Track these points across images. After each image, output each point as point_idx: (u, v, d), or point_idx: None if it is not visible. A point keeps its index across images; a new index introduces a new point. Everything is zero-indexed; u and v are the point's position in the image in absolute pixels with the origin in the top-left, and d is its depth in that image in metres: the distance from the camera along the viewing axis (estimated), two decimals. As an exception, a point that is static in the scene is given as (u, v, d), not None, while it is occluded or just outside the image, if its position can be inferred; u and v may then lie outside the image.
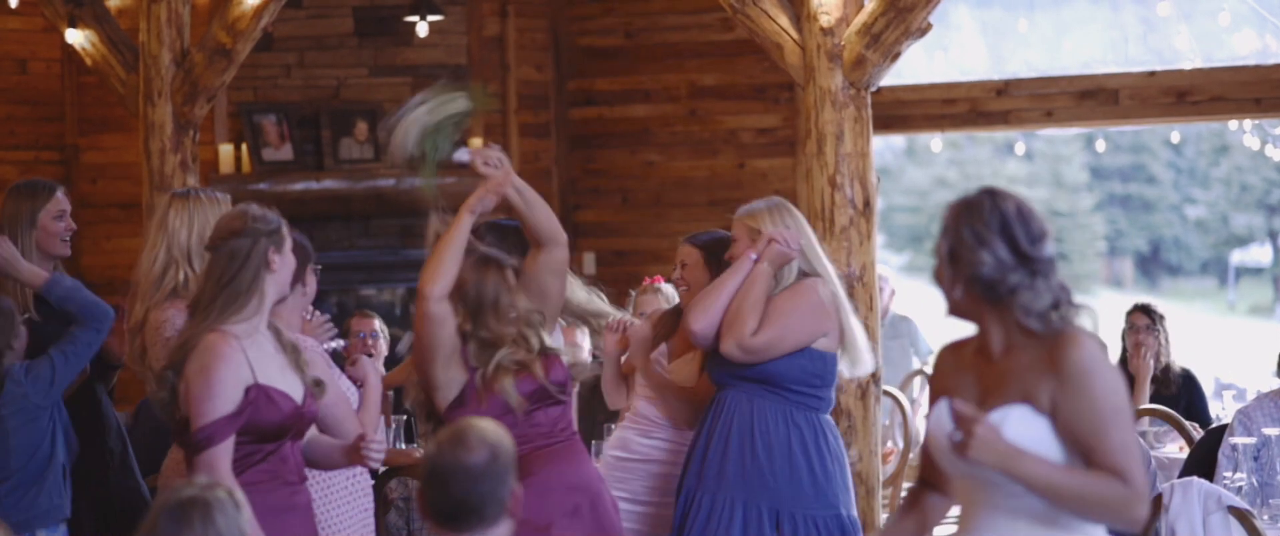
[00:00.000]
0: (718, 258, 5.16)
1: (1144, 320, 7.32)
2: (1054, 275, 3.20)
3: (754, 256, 4.97)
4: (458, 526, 3.23)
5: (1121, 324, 7.38)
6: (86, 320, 5.26)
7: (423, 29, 9.28)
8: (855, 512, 5.09)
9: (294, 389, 4.12)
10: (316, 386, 4.25)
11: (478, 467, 3.22)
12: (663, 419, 5.32)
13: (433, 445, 3.29)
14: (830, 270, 5.09)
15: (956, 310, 3.27)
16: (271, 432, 4.07)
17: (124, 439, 5.89)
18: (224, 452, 3.97)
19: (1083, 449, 3.14)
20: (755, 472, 4.94)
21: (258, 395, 4.02)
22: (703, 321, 4.98)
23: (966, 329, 3.33)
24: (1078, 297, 3.24)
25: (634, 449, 5.35)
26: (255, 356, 4.05)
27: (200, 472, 3.92)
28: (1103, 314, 3.29)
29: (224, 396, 3.98)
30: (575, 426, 4.73)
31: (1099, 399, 3.11)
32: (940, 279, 3.27)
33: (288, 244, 4.16)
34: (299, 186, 9.21)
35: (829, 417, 5.09)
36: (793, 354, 4.95)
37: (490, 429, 3.29)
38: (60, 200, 5.72)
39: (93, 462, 5.72)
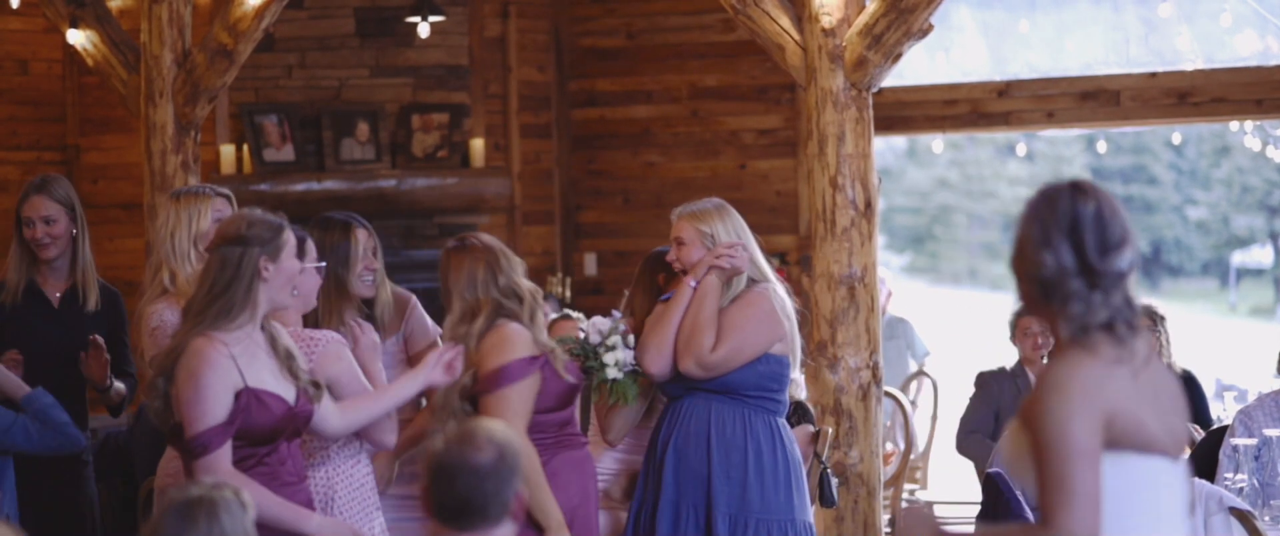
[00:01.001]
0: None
1: (1145, 322, 7.31)
2: (1119, 292, 2.94)
3: (694, 283, 4.97)
4: (460, 525, 3.22)
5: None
6: (56, 441, 5.30)
7: (424, 30, 9.27)
8: (810, 517, 5.09)
9: (286, 390, 4.11)
10: (315, 388, 4.24)
11: (485, 467, 3.20)
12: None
13: (439, 442, 3.28)
14: (772, 274, 5.10)
15: (1029, 306, 3.04)
16: (265, 435, 4.07)
17: (90, 451, 5.79)
18: (222, 457, 3.97)
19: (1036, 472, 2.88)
20: (715, 479, 4.93)
21: (249, 399, 4.01)
22: (659, 362, 4.98)
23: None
24: (1139, 321, 2.95)
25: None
26: (244, 360, 4.04)
27: (200, 478, 3.92)
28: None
29: (214, 402, 3.97)
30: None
31: (1044, 422, 2.85)
32: (1014, 267, 3.03)
33: (285, 252, 4.12)
34: (300, 187, 9.21)
35: (783, 421, 5.09)
36: (750, 362, 4.97)
37: (499, 429, 3.28)
38: (33, 203, 5.62)
39: (53, 471, 5.64)
